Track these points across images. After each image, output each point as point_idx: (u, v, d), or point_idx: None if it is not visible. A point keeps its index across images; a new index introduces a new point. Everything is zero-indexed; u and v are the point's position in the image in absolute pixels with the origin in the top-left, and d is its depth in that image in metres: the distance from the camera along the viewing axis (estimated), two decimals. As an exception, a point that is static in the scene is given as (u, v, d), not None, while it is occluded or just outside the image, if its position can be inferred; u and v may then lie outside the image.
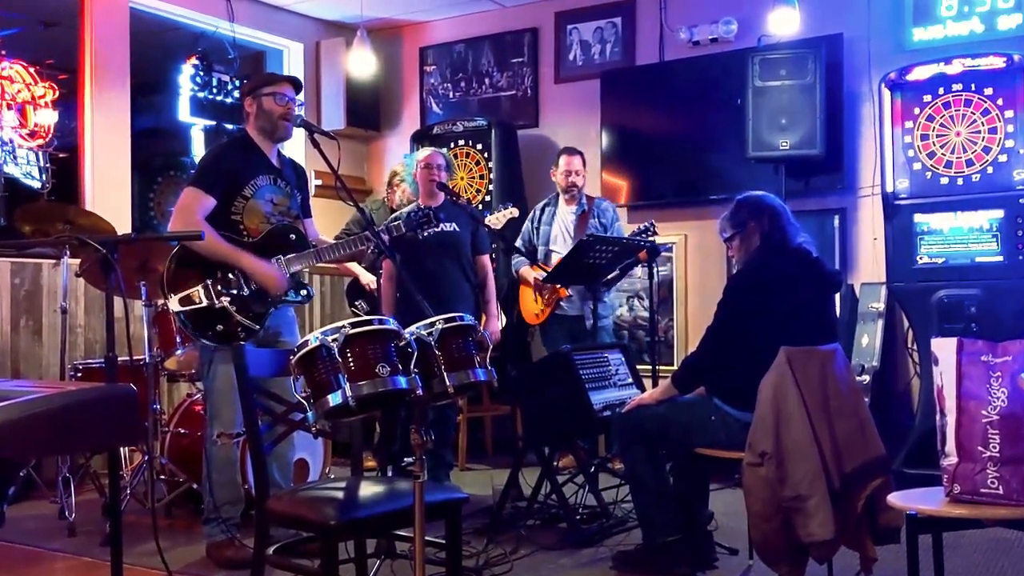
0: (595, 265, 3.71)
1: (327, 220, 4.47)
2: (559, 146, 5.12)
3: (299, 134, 3.57)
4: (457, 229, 3.86)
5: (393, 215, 3.88)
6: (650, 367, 3.88)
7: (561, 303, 4.35)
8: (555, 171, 4.46)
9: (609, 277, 4.02)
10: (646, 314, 4.91)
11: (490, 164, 5.19)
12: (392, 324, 1.98)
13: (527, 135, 5.40)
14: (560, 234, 4.40)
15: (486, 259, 3.95)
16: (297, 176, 3.14)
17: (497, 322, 3.92)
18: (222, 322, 2.87)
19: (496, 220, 4.08)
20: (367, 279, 4.30)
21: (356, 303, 4.44)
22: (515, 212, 4.14)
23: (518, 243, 4.46)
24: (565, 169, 4.42)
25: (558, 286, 4.27)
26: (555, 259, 4.27)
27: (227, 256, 2.88)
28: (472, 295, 3.87)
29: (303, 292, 3.03)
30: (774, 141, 4.30)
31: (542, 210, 4.48)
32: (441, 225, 3.63)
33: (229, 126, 5.31)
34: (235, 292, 2.88)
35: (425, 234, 3.26)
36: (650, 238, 3.97)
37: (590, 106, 5.21)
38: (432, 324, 2.05)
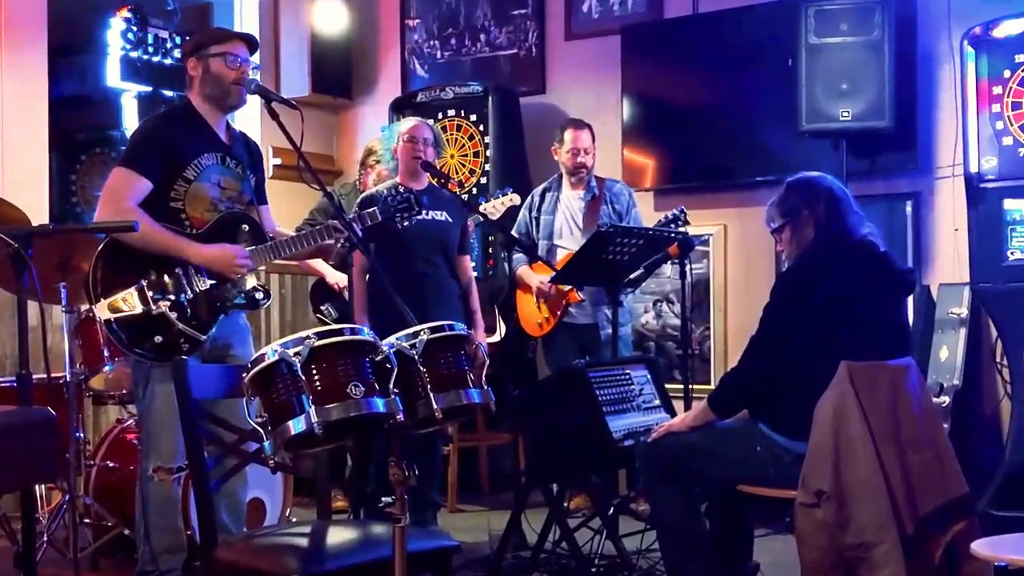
0: (614, 262, 3.73)
1: (287, 207, 4.49)
2: (568, 115, 5.12)
3: (253, 102, 3.57)
4: (448, 219, 3.88)
5: (363, 195, 3.86)
6: (681, 386, 3.90)
7: (570, 309, 4.37)
8: (558, 148, 4.50)
9: (632, 277, 4.02)
10: (677, 321, 4.93)
11: (486, 139, 5.21)
12: (367, 334, 2.01)
13: (532, 104, 5.42)
14: (565, 225, 4.43)
15: (468, 260, 4.00)
16: (250, 154, 3.16)
17: (484, 334, 3.99)
18: (160, 332, 2.88)
19: (493, 208, 4.12)
20: (335, 279, 4.34)
21: (323, 308, 4.48)
22: (516, 199, 4.20)
23: (515, 233, 4.50)
24: (571, 147, 4.44)
25: (567, 288, 4.29)
26: (561, 256, 4.31)
27: (167, 248, 2.89)
28: (462, 301, 3.91)
29: (259, 294, 3.05)
30: (833, 111, 4.29)
31: (542, 196, 4.50)
32: (426, 212, 3.63)
33: (168, 93, 5.34)
34: (176, 295, 2.89)
35: (406, 223, 3.29)
36: (681, 228, 3.98)
37: (608, 68, 5.24)
38: (416, 334, 2.07)
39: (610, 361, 3.49)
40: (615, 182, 4.55)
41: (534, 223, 4.47)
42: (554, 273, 4.11)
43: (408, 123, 3.95)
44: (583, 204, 4.43)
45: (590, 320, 4.37)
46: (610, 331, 3.97)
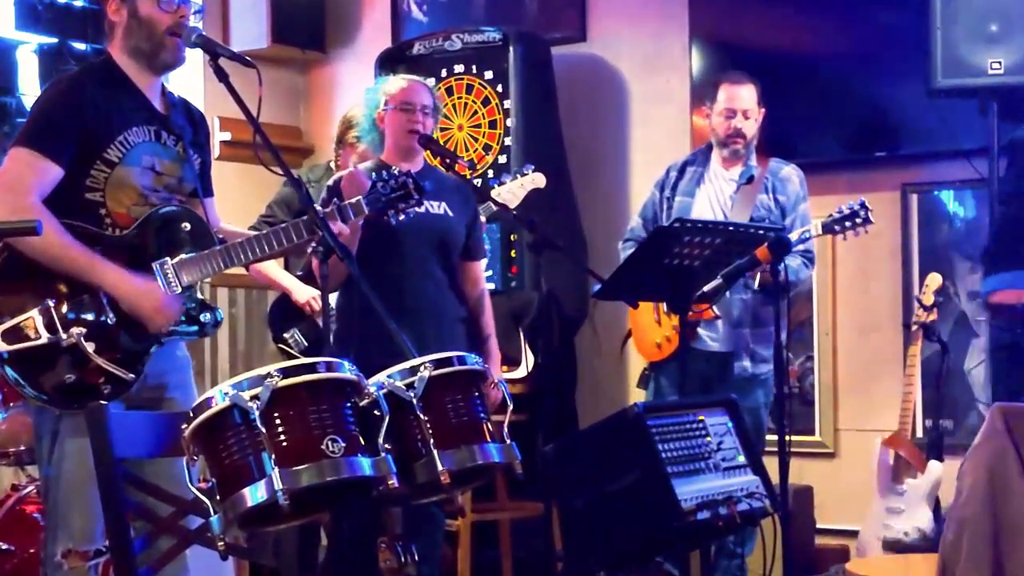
0: (680, 269, 3.74)
1: (238, 197, 4.53)
2: (618, 71, 5.16)
3: (195, 58, 3.60)
4: (449, 212, 3.89)
5: (336, 177, 3.90)
6: (775, 437, 3.87)
7: (700, 329, 4.37)
8: (709, 109, 4.54)
9: (705, 290, 4.02)
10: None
11: (506, 104, 5.23)
12: (348, 370, 2.02)
13: (568, 55, 5.43)
14: (708, 212, 4.46)
15: (479, 268, 4.04)
16: (194, 128, 3.20)
17: (500, 368, 4.03)
18: (72, 369, 2.88)
19: (510, 194, 4.18)
20: (305, 295, 4.40)
21: (287, 334, 4.54)
22: (540, 180, 4.26)
23: (635, 224, 4.55)
24: (726, 107, 4.46)
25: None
26: None
27: (76, 265, 2.91)
28: (471, 323, 3.97)
29: (204, 318, 3.08)
30: (979, 62, 4.29)
31: (680, 172, 4.54)
32: (425, 204, 3.64)
33: (80, 46, 5.35)
34: (94, 319, 2.90)
35: (402, 217, 3.29)
36: (858, 226, 3.99)
37: (671, 5, 5.29)
38: (414, 370, 2.08)
39: (676, 404, 3.51)
40: (783, 163, 4.54)
41: (665, 205, 4.50)
42: (600, 284, 4.09)
43: (398, 83, 3.97)
44: (736, 187, 4.45)
45: (724, 346, 4.39)
46: (748, 364, 3.98)
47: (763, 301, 4.26)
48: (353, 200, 3.24)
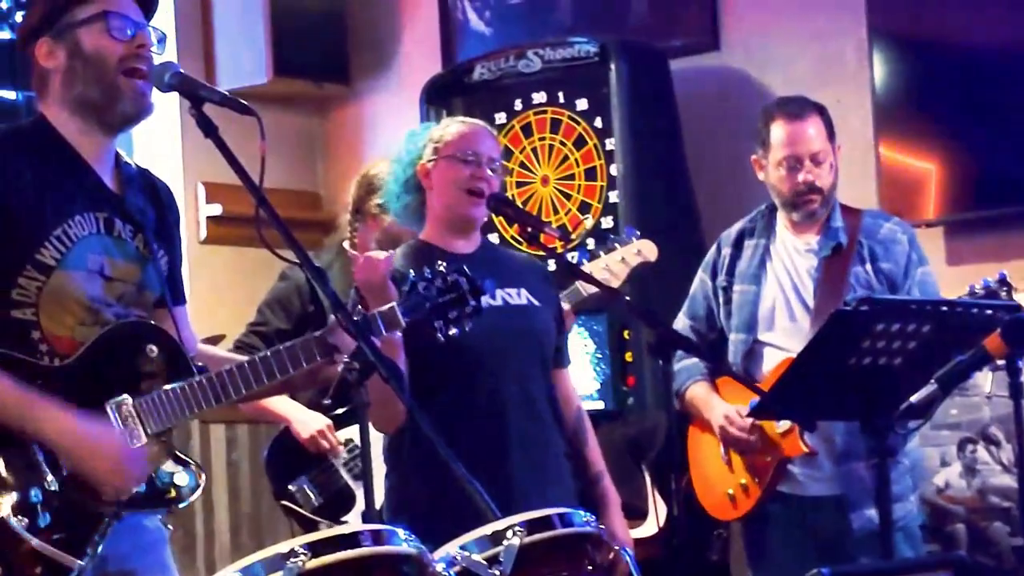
0: (876, 370, 3.76)
1: (237, 296, 4.49)
2: (766, 89, 5.19)
3: (167, 105, 3.64)
4: (534, 301, 3.97)
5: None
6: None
7: (792, 468, 4.40)
8: (763, 158, 4.54)
9: (916, 400, 3.96)
10: (1008, 480, 4.88)
11: (608, 144, 5.24)
12: (404, 540, 2.04)
13: (695, 70, 5.47)
14: (782, 301, 4.50)
15: (569, 377, 4.11)
16: (159, 210, 3.24)
17: (623, 519, 4.05)
18: (-1, 554, 2.85)
19: (606, 271, 4.22)
20: (309, 427, 4.48)
21: (293, 486, 4.58)
22: (651, 251, 4.31)
23: (680, 323, 4.57)
24: (787, 153, 4.46)
25: (782, 428, 4.31)
26: (773, 362, 4.40)
27: (4, 411, 2.91)
28: (571, 458, 4.00)
29: (181, 479, 3.10)
30: None
31: (736, 246, 4.59)
32: (501, 294, 3.72)
33: (7, 95, 5.48)
34: (25, 487, 2.90)
35: (453, 331, 3.30)
36: (1003, 303, 3.93)
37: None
38: (498, 536, 2.16)
39: (879, 569, 3.46)
40: (881, 218, 4.60)
41: (719, 298, 4.54)
42: (756, 399, 4.13)
43: (455, 126, 4.02)
44: (816, 261, 4.47)
45: (831, 490, 4.39)
46: (873, 513, 3.96)
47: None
48: (385, 308, 3.26)
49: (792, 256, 4.49)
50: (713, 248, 4.61)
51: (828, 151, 4.42)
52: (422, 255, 3.74)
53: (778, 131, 4.42)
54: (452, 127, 3.99)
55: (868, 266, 4.42)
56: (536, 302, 3.93)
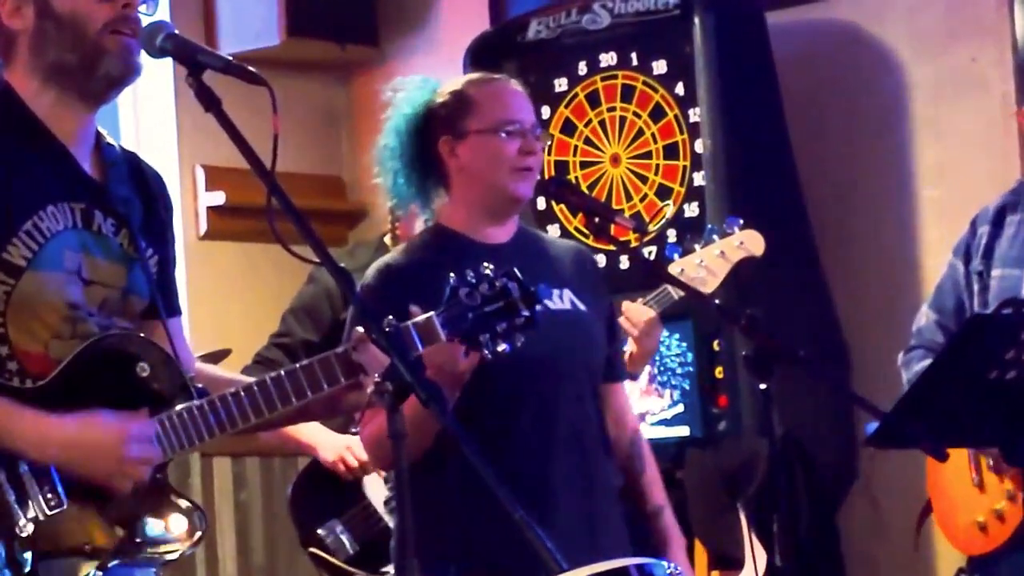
0: (1020, 386, 3.79)
1: (245, 304, 4.56)
2: (887, 47, 5.24)
3: (160, 75, 3.40)
4: (579, 304, 3.86)
5: (377, 269, 3.81)
6: None
7: None
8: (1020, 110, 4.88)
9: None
10: None
11: (693, 115, 5.23)
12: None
13: (798, 25, 5.54)
14: None
15: (622, 390, 4.04)
16: (147, 201, 3.21)
17: (687, 562, 4.06)
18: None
19: (702, 269, 4.21)
20: (334, 450, 4.49)
21: (322, 530, 4.62)
22: (758, 243, 4.25)
23: (926, 320, 4.58)
24: None
25: None
26: None
27: None
28: (627, 494, 3.98)
29: (177, 529, 3.05)
30: None
31: (996, 223, 4.54)
32: (547, 300, 3.57)
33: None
34: (12, 520, 2.89)
35: (501, 347, 3.20)
36: None
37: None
38: None
39: None
40: None
41: (973, 285, 4.48)
42: (878, 421, 3.96)
43: (479, 86, 3.88)
44: None
45: None
46: None
47: None
48: (420, 319, 3.14)
49: None
50: (967, 229, 4.56)
51: None
52: (449, 247, 3.72)
53: None
54: (478, 87, 3.89)
55: None
56: (582, 305, 3.83)
